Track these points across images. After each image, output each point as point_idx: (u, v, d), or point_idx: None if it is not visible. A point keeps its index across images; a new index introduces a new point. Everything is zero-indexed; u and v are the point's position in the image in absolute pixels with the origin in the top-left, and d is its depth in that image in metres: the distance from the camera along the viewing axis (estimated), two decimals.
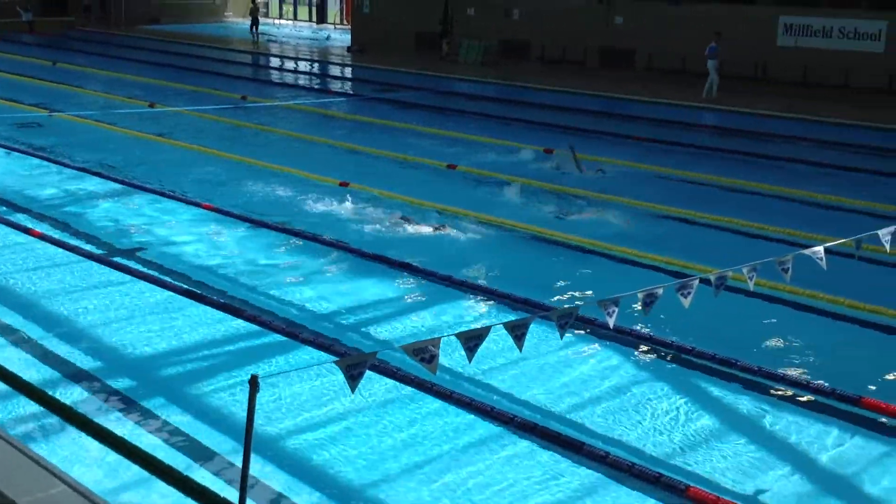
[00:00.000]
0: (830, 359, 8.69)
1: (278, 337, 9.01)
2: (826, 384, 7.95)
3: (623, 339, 8.96)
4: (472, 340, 5.35)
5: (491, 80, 28.96)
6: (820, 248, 7.18)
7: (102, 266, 11.00)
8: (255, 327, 9.21)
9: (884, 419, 7.48)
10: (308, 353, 8.63)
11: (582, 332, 9.08)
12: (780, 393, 8.02)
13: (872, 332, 9.42)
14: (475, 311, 9.84)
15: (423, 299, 10.22)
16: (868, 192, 15.14)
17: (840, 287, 9.93)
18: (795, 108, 22.87)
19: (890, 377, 8.24)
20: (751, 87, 25.83)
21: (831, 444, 7.23)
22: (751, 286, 6.79)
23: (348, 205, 13.78)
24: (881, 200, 14.30)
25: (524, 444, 7.11)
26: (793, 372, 8.30)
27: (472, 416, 7.48)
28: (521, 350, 5.64)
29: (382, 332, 9.33)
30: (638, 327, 9.07)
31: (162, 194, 14.42)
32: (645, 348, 8.87)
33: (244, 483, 4.98)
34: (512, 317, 8.98)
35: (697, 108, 23.97)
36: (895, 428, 7.37)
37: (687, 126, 21.61)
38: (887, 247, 7.70)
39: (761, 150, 18.61)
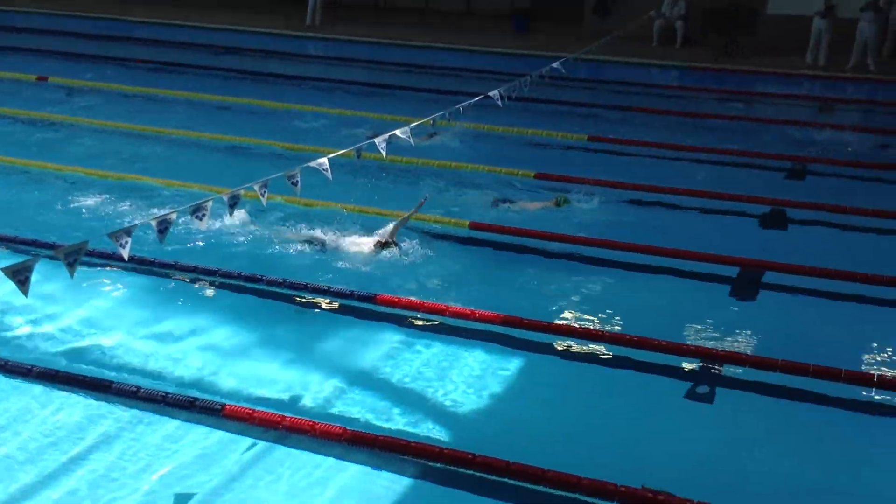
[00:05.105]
0: (348, 263, 9.20)
1: None
2: (346, 288, 8.42)
3: (146, 269, 8.72)
4: None
5: None
6: (325, 160, 7.50)
7: None
8: None
9: (397, 311, 8.14)
10: None
11: (101, 267, 8.69)
12: (305, 301, 8.36)
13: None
14: None
15: None
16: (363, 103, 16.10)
17: (343, 194, 10.59)
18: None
19: (416, 280, 8.88)
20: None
21: (355, 342, 7.71)
22: (263, 202, 6.91)
23: None
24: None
25: (47, 393, 6.66)
26: (316, 281, 8.64)
27: None
28: (26, 295, 5.19)
29: None
30: (157, 255, 8.85)
31: None
32: (169, 275, 8.71)
33: None
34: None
35: (192, 27, 23.61)
36: (403, 317, 8.07)
37: (189, 46, 21.20)
38: (384, 153, 8.28)
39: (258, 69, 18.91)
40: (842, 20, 19.15)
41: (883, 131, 14.63)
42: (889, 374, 7.22)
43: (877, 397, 6.97)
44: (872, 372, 7.23)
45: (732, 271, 9.11)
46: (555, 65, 12.17)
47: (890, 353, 7.60)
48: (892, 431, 6.71)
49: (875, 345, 7.77)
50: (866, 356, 7.58)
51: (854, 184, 12.23)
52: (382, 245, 9.25)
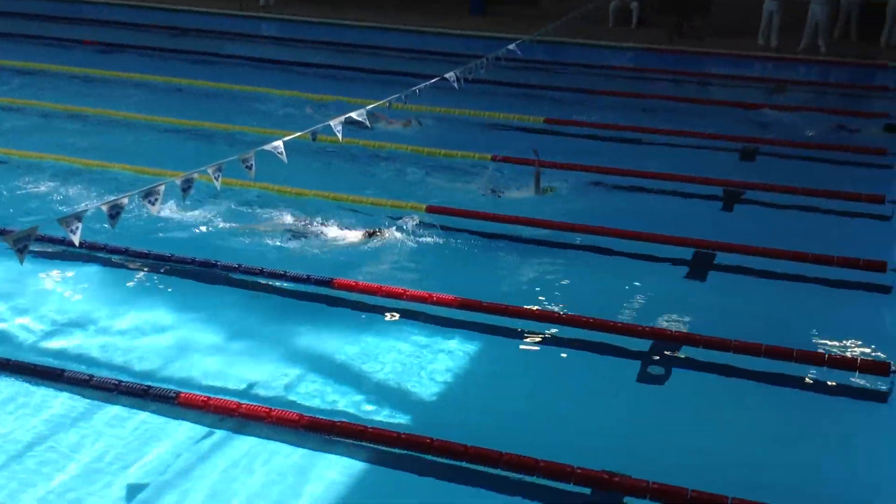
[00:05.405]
0: (300, 245, 9.13)
1: None
2: (302, 273, 8.36)
3: (97, 256, 8.61)
4: None
5: None
6: (279, 143, 7.41)
7: None
8: None
9: (354, 296, 8.10)
10: None
11: (51, 253, 8.55)
12: (264, 284, 8.29)
13: (342, 215, 10.07)
14: None
15: None
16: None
17: (299, 178, 10.49)
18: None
19: (370, 264, 8.81)
20: None
21: (311, 326, 7.67)
22: (218, 186, 6.82)
23: None
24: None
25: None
26: (271, 264, 8.57)
27: None
28: None
29: None
30: (112, 242, 8.73)
31: None
32: (122, 261, 8.61)
33: None
34: None
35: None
36: (360, 302, 8.04)
37: (141, 27, 20.85)
38: (340, 136, 8.22)
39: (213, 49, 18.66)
40: (793, 2, 19.34)
41: (834, 112, 14.80)
42: (839, 353, 7.33)
43: (828, 376, 7.08)
44: (823, 351, 7.34)
45: (687, 253, 9.19)
46: (511, 46, 12.14)
47: (840, 333, 7.72)
48: (843, 409, 6.83)
49: (826, 324, 7.88)
50: (817, 336, 7.69)
51: (806, 164, 12.37)
52: (370, 234, 9.21)
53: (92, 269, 8.49)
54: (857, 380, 7.04)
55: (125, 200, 6.03)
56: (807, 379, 7.07)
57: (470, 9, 23.59)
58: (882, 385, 6.96)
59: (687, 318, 7.95)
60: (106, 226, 6.03)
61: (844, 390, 6.98)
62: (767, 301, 8.45)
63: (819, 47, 19.10)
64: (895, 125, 13.80)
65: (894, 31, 19.27)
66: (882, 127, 13.78)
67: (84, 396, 6.46)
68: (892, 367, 7.01)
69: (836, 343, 7.57)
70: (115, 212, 5.98)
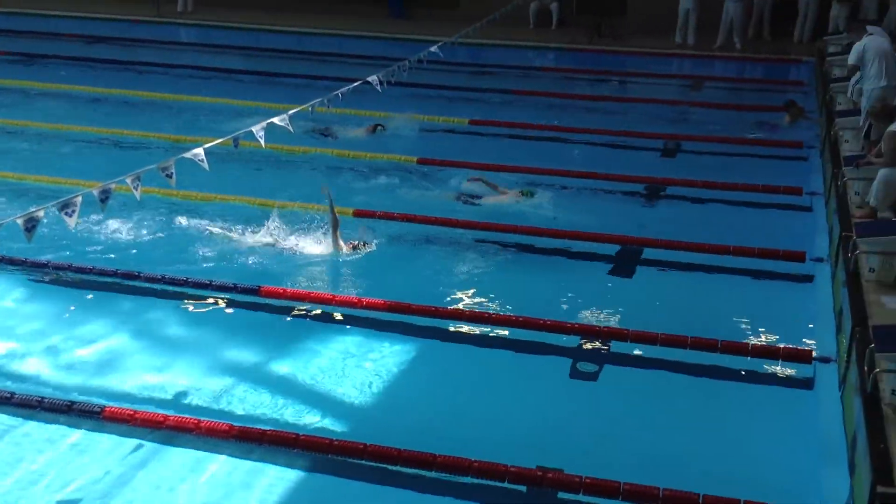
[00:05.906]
0: (229, 254, 9.01)
1: None
2: (229, 281, 8.25)
3: (16, 269, 8.40)
4: None
5: None
6: (200, 150, 7.30)
7: None
8: None
9: (283, 302, 8.03)
10: None
11: None
12: (189, 294, 8.16)
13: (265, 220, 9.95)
14: None
15: None
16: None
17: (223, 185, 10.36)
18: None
19: (297, 270, 8.77)
20: None
21: (239, 335, 7.59)
22: (137, 196, 6.67)
23: None
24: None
25: None
26: (196, 274, 8.43)
27: None
28: None
29: None
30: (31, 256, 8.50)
31: None
32: (39, 275, 8.39)
33: None
34: None
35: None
36: (289, 308, 7.97)
37: (56, 36, 20.35)
38: (262, 142, 8.13)
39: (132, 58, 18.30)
40: (709, 1, 19.70)
41: (751, 107, 15.14)
42: (763, 343, 7.49)
43: (753, 365, 7.23)
44: (747, 341, 7.50)
45: (612, 249, 9.30)
46: (433, 49, 12.14)
47: (763, 323, 7.89)
48: (768, 397, 6.98)
49: (749, 315, 8.05)
50: (741, 326, 7.85)
51: (725, 159, 12.61)
52: (354, 247, 9.09)
53: (10, 284, 8.25)
54: (781, 368, 7.20)
55: (42, 213, 5.88)
56: (732, 369, 7.20)
57: (389, 12, 23.50)
58: (805, 372, 7.14)
59: (614, 314, 8.05)
60: (18, 234, 5.88)
61: (769, 378, 7.14)
62: (692, 294, 8.60)
63: (735, 44, 19.50)
64: (793, 103, 14.13)
65: (807, 27, 19.78)
66: (784, 106, 14.14)
67: (6, 414, 6.27)
68: (814, 355, 7.19)
69: (760, 333, 7.73)
70: (31, 225, 5.83)
